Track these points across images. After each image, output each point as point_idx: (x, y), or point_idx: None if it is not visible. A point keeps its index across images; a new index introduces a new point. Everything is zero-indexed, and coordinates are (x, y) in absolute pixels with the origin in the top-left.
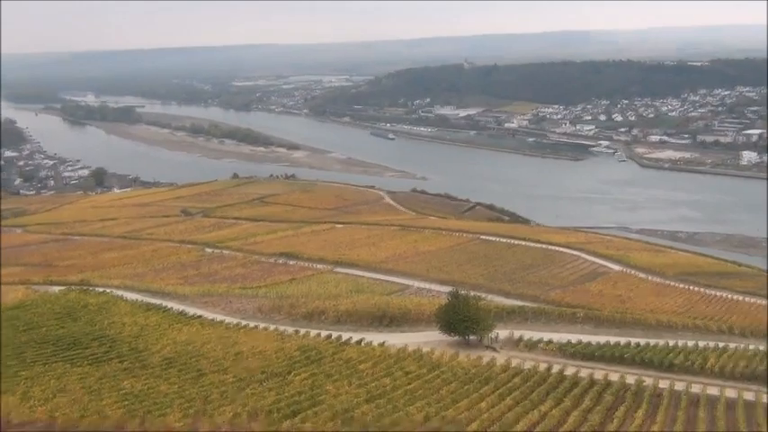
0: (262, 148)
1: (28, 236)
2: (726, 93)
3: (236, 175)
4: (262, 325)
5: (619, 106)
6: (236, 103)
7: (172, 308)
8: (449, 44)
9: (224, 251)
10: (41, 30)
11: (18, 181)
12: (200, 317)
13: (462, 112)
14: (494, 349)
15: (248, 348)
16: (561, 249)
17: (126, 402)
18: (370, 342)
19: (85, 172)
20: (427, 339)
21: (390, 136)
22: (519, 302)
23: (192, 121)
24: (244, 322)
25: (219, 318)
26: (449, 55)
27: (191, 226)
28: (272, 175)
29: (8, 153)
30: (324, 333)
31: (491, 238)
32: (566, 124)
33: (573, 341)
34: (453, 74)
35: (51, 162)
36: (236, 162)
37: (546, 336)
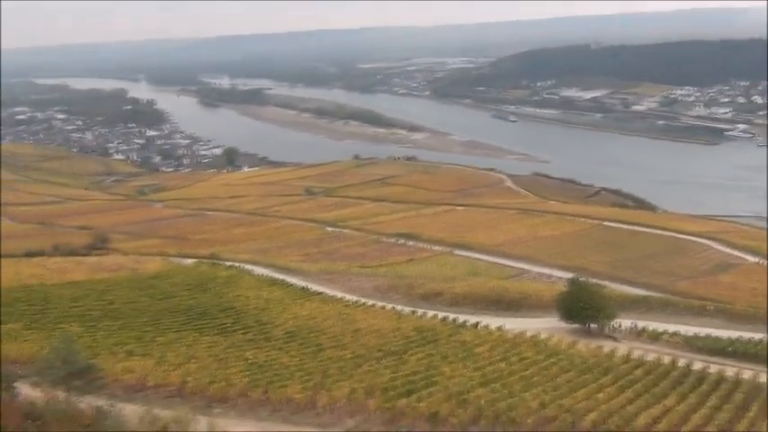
0: (383, 130)
1: (165, 210)
2: None
3: (357, 156)
4: (379, 304)
5: (760, 88)
6: (359, 85)
7: (294, 283)
8: (576, 24)
9: (344, 230)
10: (180, 17)
11: (158, 158)
12: (320, 293)
13: (587, 95)
14: (615, 339)
15: (366, 326)
16: (691, 238)
17: (250, 372)
18: (487, 325)
19: (218, 151)
20: (545, 326)
21: (512, 118)
22: (643, 292)
23: (318, 102)
24: (362, 300)
25: (339, 295)
26: (575, 35)
27: (313, 205)
28: (392, 157)
29: (150, 132)
30: (440, 315)
31: (615, 224)
32: (699, 107)
33: (701, 335)
34: (579, 55)
35: (187, 141)
36: (358, 143)
37: (671, 328)
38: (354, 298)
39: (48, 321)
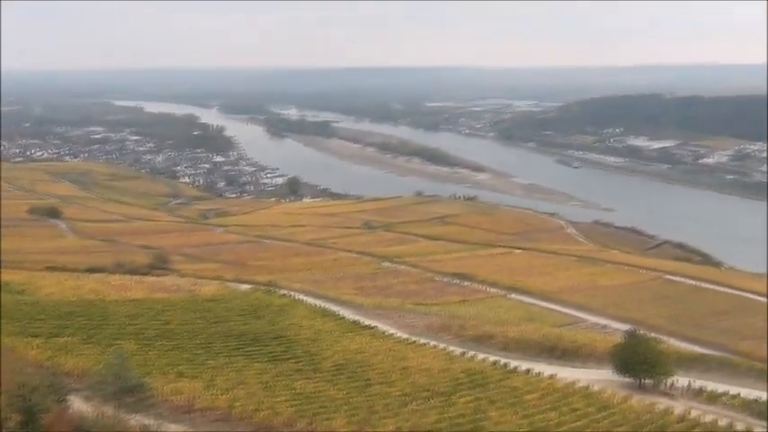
0: (446, 168)
1: (226, 235)
2: None
3: (419, 193)
4: (430, 343)
5: None
6: (425, 123)
7: (346, 316)
8: (653, 73)
9: (400, 266)
10: (253, 46)
11: (222, 184)
12: (372, 328)
13: (656, 144)
14: (670, 397)
15: (415, 364)
16: (757, 297)
17: (297, 402)
18: (539, 373)
19: (281, 180)
20: (598, 377)
21: (576, 164)
22: (703, 350)
23: (382, 137)
24: (413, 338)
25: (390, 331)
26: (651, 84)
27: (371, 239)
28: (453, 196)
29: (216, 158)
30: (491, 358)
31: (678, 278)
32: None
33: (762, 399)
34: (651, 104)
35: (252, 169)
36: (420, 180)
37: (731, 389)
38: (405, 335)
39: (104, 337)
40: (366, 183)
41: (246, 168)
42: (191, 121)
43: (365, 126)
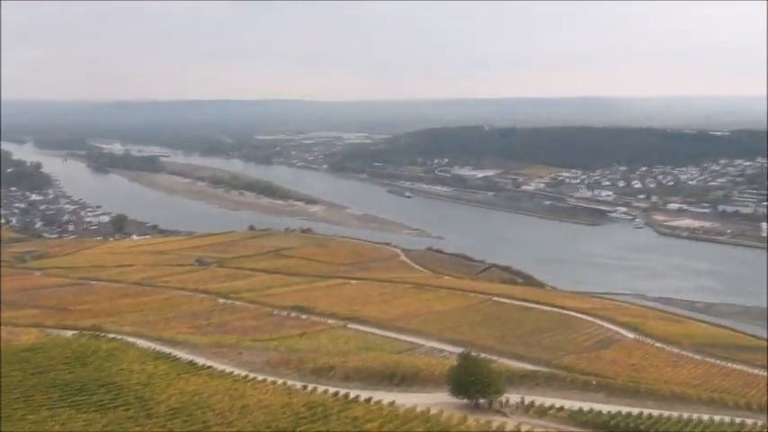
0: (280, 201)
1: (46, 279)
2: (747, 164)
3: (252, 227)
4: (270, 378)
5: (638, 173)
6: (257, 156)
7: (181, 357)
8: (474, 106)
9: (237, 302)
10: (71, 78)
11: (40, 224)
12: (208, 367)
13: (480, 173)
14: (503, 414)
15: (255, 402)
16: (576, 314)
17: None
18: (379, 401)
19: (106, 218)
20: (436, 401)
21: (407, 194)
22: (531, 367)
23: (213, 172)
24: (252, 375)
25: (228, 369)
26: (472, 116)
27: (205, 275)
28: (288, 228)
29: (33, 197)
30: (331, 390)
31: (505, 300)
32: (583, 189)
33: (585, 409)
34: (473, 135)
35: (73, 207)
36: (253, 214)
37: (557, 402)
38: (244, 372)
39: None
40: (198, 218)
41: (67, 207)
42: (2, 157)
43: (195, 160)
